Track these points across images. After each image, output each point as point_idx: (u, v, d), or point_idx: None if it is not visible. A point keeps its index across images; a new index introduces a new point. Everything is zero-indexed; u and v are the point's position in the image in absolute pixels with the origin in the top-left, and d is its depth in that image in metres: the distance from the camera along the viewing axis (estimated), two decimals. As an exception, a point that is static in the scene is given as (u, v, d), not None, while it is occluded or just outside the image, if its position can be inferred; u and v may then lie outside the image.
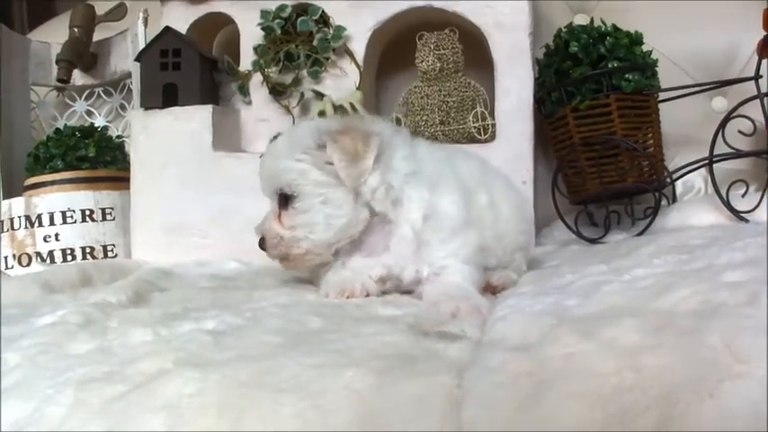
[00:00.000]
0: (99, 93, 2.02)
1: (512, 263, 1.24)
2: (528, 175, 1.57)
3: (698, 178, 1.74)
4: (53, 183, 1.68)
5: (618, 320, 0.66)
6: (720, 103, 1.79)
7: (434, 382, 0.60)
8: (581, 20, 1.90)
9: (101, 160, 1.74)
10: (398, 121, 1.69)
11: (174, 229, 1.63)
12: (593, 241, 1.50)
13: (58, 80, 1.89)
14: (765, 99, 1.42)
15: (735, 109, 1.45)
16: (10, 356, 0.75)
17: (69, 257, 1.62)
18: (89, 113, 2.03)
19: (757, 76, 1.43)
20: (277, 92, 1.70)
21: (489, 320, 0.84)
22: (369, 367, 0.62)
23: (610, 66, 1.47)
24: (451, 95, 1.67)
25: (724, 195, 1.43)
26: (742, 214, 1.42)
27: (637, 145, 1.47)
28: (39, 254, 1.62)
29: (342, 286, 1.05)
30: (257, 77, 1.72)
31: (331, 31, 1.66)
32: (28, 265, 1.62)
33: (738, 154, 1.47)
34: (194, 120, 1.63)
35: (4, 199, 1.71)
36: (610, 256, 1.19)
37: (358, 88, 1.66)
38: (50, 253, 1.62)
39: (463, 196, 1.12)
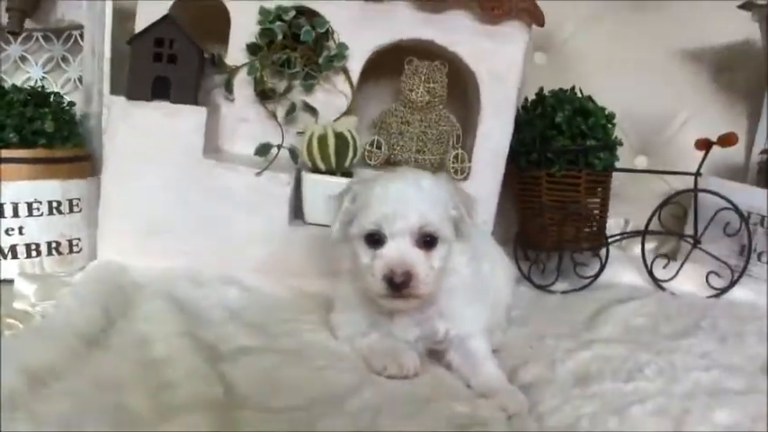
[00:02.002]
0: (38, 37, 1.77)
1: (500, 324, 1.44)
2: (490, 216, 1.74)
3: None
4: (5, 161, 1.51)
5: None
6: (640, 161, 2.10)
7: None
8: (540, 59, 2.06)
9: (58, 136, 1.58)
10: (379, 145, 1.75)
11: (150, 230, 1.57)
12: (541, 287, 1.75)
13: (9, 32, 1.63)
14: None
15: (672, 197, 1.75)
16: None
17: (34, 253, 1.51)
18: (23, 59, 1.79)
19: (697, 173, 1.73)
20: (265, 96, 1.66)
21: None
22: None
23: (588, 143, 1.66)
24: (431, 127, 1.75)
25: (648, 264, 1.75)
26: (660, 282, 1.75)
27: (593, 213, 1.71)
28: (-3, 248, 1.49)
29: (399, 362, 1.17)
30: (243, 74, 1.66)
31: (334, 48, 1.63)
32: (-17, 261, 1.48)
33: (668, 232, 1.78)
34: (186, 121, 1.55)
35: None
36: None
37: (348, 111, 1.68)
38: (12, 248, 1.49)
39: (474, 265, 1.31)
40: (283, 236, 1.61)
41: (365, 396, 1.08)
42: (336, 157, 1.59)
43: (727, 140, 1.66)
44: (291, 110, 1.66)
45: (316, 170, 1.61)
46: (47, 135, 1.55)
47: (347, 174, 1.63)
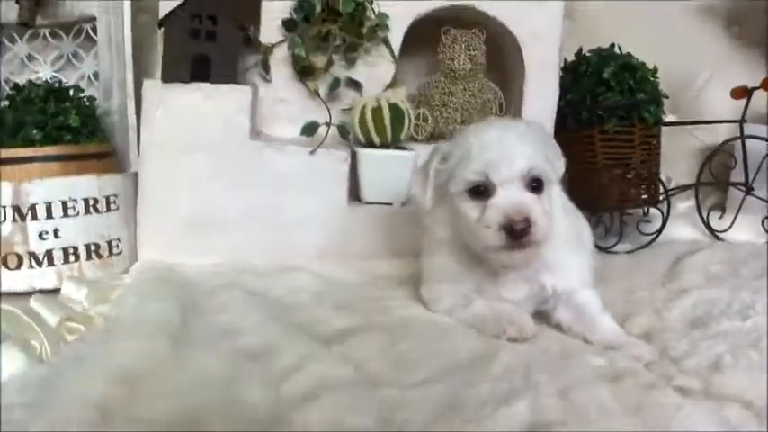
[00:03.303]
0: (45, 34, 1.61)
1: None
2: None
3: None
4: (32, 159, 1.36)
5: None
6: (670, 119, 2.08)
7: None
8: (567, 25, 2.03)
9: (84, 131, 1.44)
10: (425, 118, 1.67)
11: (194, 225, 1.44)
12: (604, 250, 1.69)
13: (21, 23, 1.47)
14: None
15: (721, 145, 1.73)
16: None
17: (72, 258, 1.35)
18: (30, 58, 1.63)
19: (742, 120, 1.71)
20: (306, 73, 1.56)
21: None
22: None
23: (638, 97, 1.63)
24: (475, 96, 1.69)
25: (705, 216, 1.72)
26: (717, 233, 1.72)
27: (651, 168, 1.68)
28: (32, 254, 1.32)
29: (518, 324, 1.08)
30: (279, 53, 1.55)
31: (373, 17, 1.55)
32: (18, 267, 1.31)
33: (720, 182, 1.76)
34: (230, 101, 1.43)
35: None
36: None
37: (392, 83, 1.60)
38: (48, 253, 1.33)
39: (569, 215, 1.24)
40: (343, 217, 1.50)
41: (504, 359, 0.98)
42: (393, 130, 1.50)
43: (773, 84, 1.65)
44: (335, 85, 1.56)
45: (370, 145, 1.52)
46: (72, 130, 1.42)
47: (400, 148, 1.55)
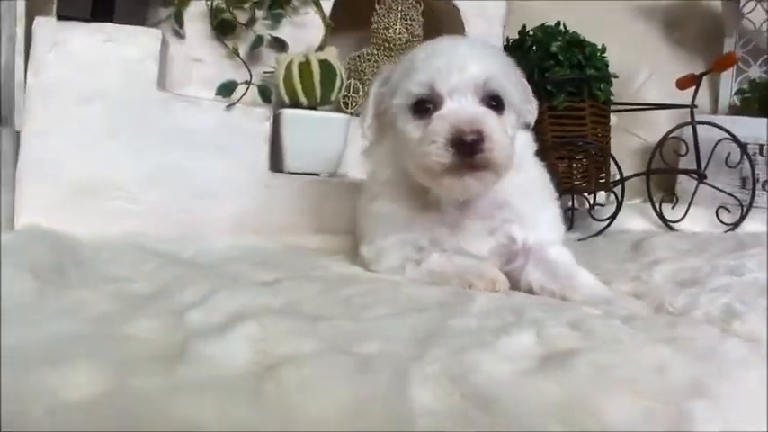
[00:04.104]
0: None
1: None
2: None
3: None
4: None
5: None
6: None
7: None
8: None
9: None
10: (356, 89, 1.52)
11: (87, 189, 1.21)
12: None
13: None
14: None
15: (672, 131, 1.64)
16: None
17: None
18: None
19: (693, 105, 1.63)
20: (224, 29, 1.39)
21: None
22: None
23: (588, 73, 1.53)
24: None
25: (657, 206, 1.61)
26: (670, 223, 1.61)
27: (603, 149, 1.56)
28: None
29: (488, 277, 0.89)
30: (196, 7, 1.39)
31: (302, -29, 1.42)
32: None
33: (672, 170, 1.66)
34: (136, 45, 1.23)
35: None
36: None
37: (322, 46, 1.45)
38: None
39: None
40: (263, 186, 1.31)
41: (482, 301, 0.80)
42: (322, 89, 1.33)
43: (726, 61, 1.58)
44: (257, 44, 1.39)
45: (296, 106, 1.35)
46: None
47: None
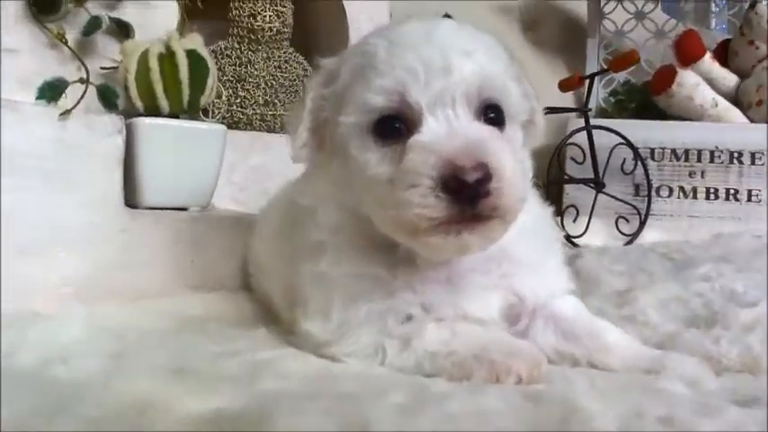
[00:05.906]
0: None
1: None
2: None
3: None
4: None
5: None
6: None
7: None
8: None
9: None
10: (219, 94, 1.17)
11: None
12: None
13: None
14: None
15: (569, 137, 1.50)
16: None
17: None
18: None
19: (586, 108, 1.51)
20: (45, 8, 0.96)
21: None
22: None
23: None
24: (282, 69, 1.27)
25: (558, 222, 1.46)
26: (573, 239, 1.47)
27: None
28: None
29: (531, 356, 0.63)
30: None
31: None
32: None
33: (571, 179, 1.52)
34: None
35: None
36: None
37: (179, 31, 1.07)
38: None
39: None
40: (119, 230, 0.91)
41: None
42: (191, 89, 0.97)
43: (626, 60, 1.47)
44: (92, 27, 0.98)
45: (154, 113, 0.96)
46: None
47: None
